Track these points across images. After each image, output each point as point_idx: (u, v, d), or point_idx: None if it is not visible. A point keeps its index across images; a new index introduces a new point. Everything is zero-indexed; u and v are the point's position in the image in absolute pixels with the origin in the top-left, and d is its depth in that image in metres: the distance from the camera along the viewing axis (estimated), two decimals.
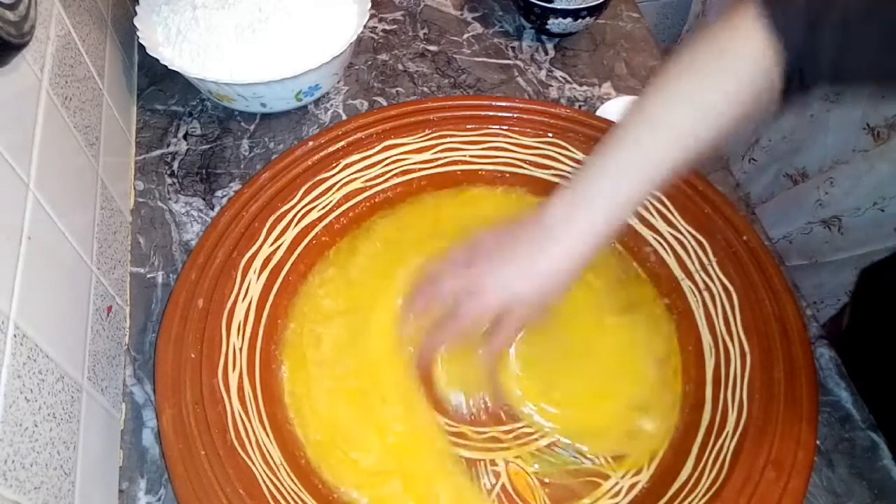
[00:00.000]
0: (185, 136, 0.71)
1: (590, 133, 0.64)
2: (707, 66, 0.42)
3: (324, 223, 0.61)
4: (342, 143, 0.63)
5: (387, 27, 0.82)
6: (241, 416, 0.49)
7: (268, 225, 0.58)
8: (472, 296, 0.46)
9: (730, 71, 0.42)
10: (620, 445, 0.52)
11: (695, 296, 0.57)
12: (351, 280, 0.60)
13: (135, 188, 0.66)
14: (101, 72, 0.62)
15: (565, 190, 0.45)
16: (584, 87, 0.77)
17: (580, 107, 0.75)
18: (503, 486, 0.51)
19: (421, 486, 0.50)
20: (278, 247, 0.58)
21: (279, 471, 0.48)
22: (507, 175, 0.66)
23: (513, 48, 0.81)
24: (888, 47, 0.38)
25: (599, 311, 0.59)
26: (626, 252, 0.62)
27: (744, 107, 0.42)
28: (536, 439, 0.52)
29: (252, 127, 0.72)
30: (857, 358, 0.57)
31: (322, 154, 0.62)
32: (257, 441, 0.49)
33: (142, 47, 0.66)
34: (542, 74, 0.78)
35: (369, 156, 0.64)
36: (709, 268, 0.58)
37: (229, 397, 0.50)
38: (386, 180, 0.64)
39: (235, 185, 0.67)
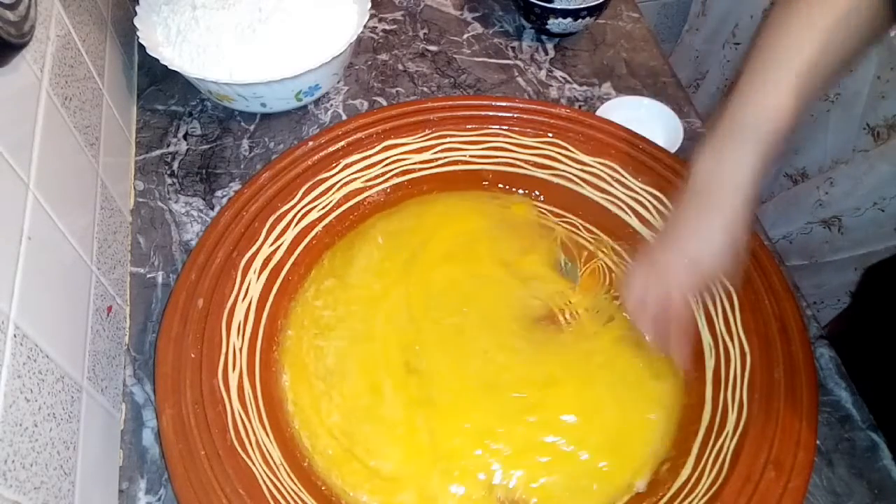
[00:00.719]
0: (185, 136, 0.71)
1: (590, 133, 0.64)
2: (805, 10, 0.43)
3: (324, 223, 0.61)
4: (342, 143, 0.63)
5: (387, 27, 0.82)
6: (241, 416, 0.49)
7: (268, 225, 0.58)
8: (671, 288, 0.48)
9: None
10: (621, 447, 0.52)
11: (694, 295, 0.57)
12: (350, 283, 0.60)
13: (135, 188, 0.66)
14: (101, 72, 0.62)
15: (706, 146, 0.47)
16: (584, 87, 0.77)
17: (580, 107, 0.75)
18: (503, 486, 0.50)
19: (434, 495, 0.50)
20: (278, 247, 0.58)
21: (279, 471, 0.48)
22: (507, 175, 0.66)
23: (513, 48, 0.81)
24: None
25: (600, 311, 0.59)
26: (626, 252, 0.62)
27: (858, 29, 0.43)
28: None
29: (252, 127, 0.72)
30: (858, 358, 0.57)
31: (322, 154, 0.62)
32: (257, 441, 0.49)
33: (142, 47, 0.66)
34: (542, 74, 0.78)
35: (369, 156, 0.64)
36: None
37: (229, 397, 0.50)
38: (386, 180, 0.64)
39: (235, 185, 0.67)
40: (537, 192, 0.66)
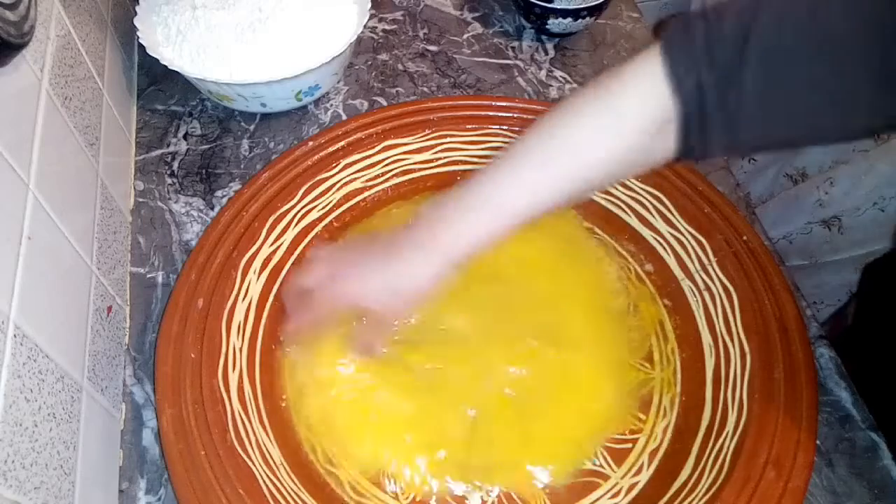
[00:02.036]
0: (185, 136, 0.71)
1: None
2: (591, 104, 0.42)
3: (324, 223, 0.61)
4: (342, 143, 0.63)
5: (387, 27, 0.82)
6: (241, 416, 0.49)
7: (268, 225, 0.58)
8: (332, 293, 0.48)
9: (613, 110, 0.40)
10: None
11: (695, 296, 0.58)
12: None
13: (135, 188, 0.66)
14: (101, 72, 0.62)
15: (435, 208, 0.46)
16: None
17: None
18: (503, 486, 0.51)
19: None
20: (278, 247, 0.58)
21: (279, 471, 0.48)
22: None
23: (513, 48, 0.81)
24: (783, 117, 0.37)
25: (599, 310, 0.59)
26: (626, 252, 0.62)
27: (627, 151, 0.41)
28: None
29: (252, 127, 0.72)
30: (858, 357, 0.57)
31: (322, 154, 0.62)
32: (257, 441, 0.49)
33: (142, 47, 0.66)
34: (542, 74, 0.78)
35: (369, 156, 0.64)
36: (709, 268, 0.58)
37: (229, 397, 0.50)
38: (386, 180, 0.64)
39: (235, 185, 0.67)
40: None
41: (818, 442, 0.48)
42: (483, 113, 0.66)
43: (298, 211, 0.60)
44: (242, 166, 0.68)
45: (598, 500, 0.50)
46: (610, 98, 0.41)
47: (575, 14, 0.76)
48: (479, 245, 0.44)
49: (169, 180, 0.67)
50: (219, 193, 0.66)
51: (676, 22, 0.39)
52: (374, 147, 0.64)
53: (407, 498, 0.50)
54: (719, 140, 0.39)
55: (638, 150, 0.41)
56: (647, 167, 0.42)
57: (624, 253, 0.62)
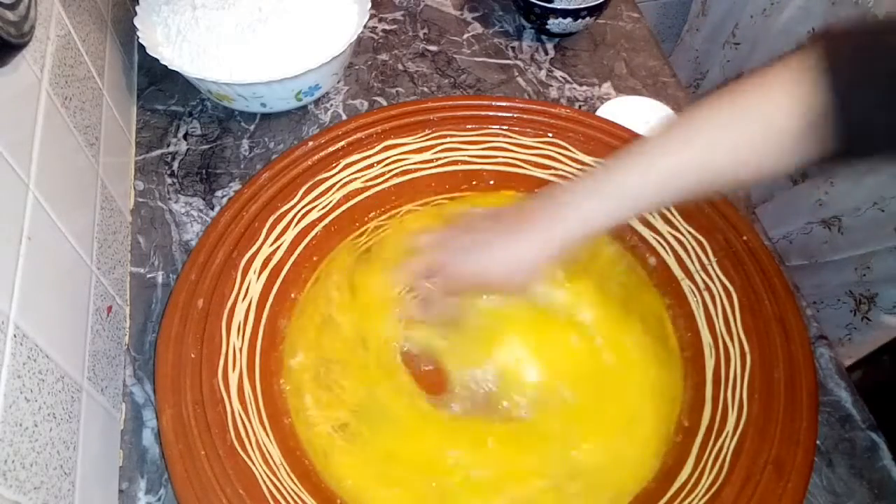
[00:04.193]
0: (185, 136, 0.71)
1: (590, 133, 0.64)
2: (735, 103, 0.41)
3: (324, 223, 0.61)
4: (342, 143, 0.63)
5: (387, 27, 0.82)
6: (241, 416, 0.49)
7: (268, 225, 0.58)
8: (459, 271, 0.50)
9: (756, 110, 0.40)
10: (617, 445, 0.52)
11: (695, 296, 0.57)
12: (351, 285, 0.59)
13: (135, 188, 0.66)
14: (101, 72, 0.62)
15: (557, 188, 0.48)
16: (584, 87, 0.77)
17: (580, 107, 0.75)
18: None
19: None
20: (278, 247, 0.58)
21: (279, 471, 0.48)
22: (507, 175, 0.66)
23: (513, 48, 0.81)
24: None
25: (599, 310, 0.59)
26: (626, 252, 0.62)
27: (765, 153, 0.41)
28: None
29: (252, 127, 0.72)
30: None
31: (322, 154, 0.62)
32: (257, 441, 0.49)
33: (142, 47, 0.66)
34: (542, 74, 0.78)
35: (369, 156, 0.64)
36: (709, 268, 0.58)
37: (229, 397, 0.50)
38: (386, 180, 0.64)
39: (235, 185, 0.67)
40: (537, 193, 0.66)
41: (818, 442, 0.48)
42: (483, 113, 0.66)
43: (298, 211, 0.60)
44: (242, 166, 0.68)
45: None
46: (754, 98, 0.41)
47: (575, 14, 0.76)
48: (601, 228, 0.46)
49: (169, 180, 0.67)
50: (219, 193, 0.66)
51: (837, 29, 0.39)
52: (374, 147, 0.64)
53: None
54: (879, 144, 0.38)
55: (776, 154, 0.41)
56: (779, 172, 0.42)
57: (624, 252, 0.62)
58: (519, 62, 0.79)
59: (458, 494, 0.50)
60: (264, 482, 0.46)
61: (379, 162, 0.64)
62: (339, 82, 0.76)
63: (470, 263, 0.49)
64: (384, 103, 0.74)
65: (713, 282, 0.57)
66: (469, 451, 0.51)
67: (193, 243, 0.62)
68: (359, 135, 0.64)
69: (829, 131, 0.38)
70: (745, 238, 0.58)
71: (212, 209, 0.65)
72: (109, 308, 0.54)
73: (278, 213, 0.59)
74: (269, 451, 0.49)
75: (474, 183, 0.66)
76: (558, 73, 0.78)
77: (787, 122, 0.39)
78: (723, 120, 0.42)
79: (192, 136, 0.71)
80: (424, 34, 0.82)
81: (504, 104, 0.66)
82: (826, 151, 0.39)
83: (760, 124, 0.40)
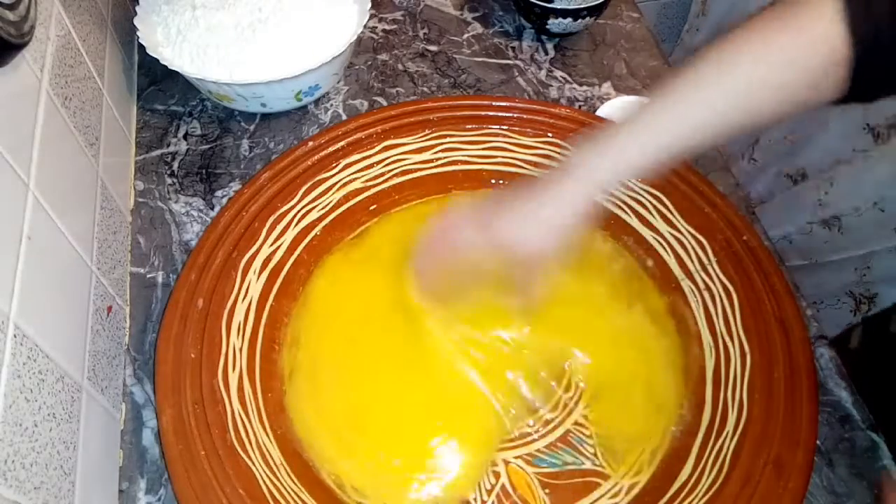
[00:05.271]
0: (185, 136, 0.71)
1: (590, 133, 0.64)
2: (761, 39, 0.41)
3: (324, 223, 0.61)
4: (342, 143, 0.63)
5: (387, 27, 0.82)
6: (241, 416, 0.49)
7: (268, 225, 0.58)
8: (485, 237, 0.47)
9: (782, 46, 0.40)
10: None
11: (695, 296, 0.57)
12: (351, 284, 0.59)
13: (135, 188, 0.66)
14: (101, 72, 0.62)
15: (588, 142, 0.46)
16: (584, 87, 0.77)
17: (580, 107, 0.75)
18: (503, 486, 0.51)
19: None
20: (278, 247, 0.58)
21: (279, 471, 0.48)
22: (507, 175, 0.66)
23: (513, 48, 0.81)
24: None
25: (599, 309, 0.59)
26: (626, 252, 0.62)
27: (795, 88, 0.41)
28: (536, 440, 0.52)
29: (252, 127, 0.72)
30: (860, 361, 0.57)
31: (322, 154, 0.62)
32: (257, 441, 0.49)
33: (142, 47, 0.66)
34: (542, 74, 0.78)
35: (369, 156, 0.64)
36: (709, 268, 0.58)
37: (229, 397, 0.50)
38: (386, 180, 0.64)
39: (235, 185, 0.67)
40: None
41: (818, 442, 0.48)
42: (483, 113, 0.66)
43: (298, 211, 0.60)
44: (242, 166, 0.68)
45: (598, 499, 0.50)
46: (780, 34, 0.41)
47: (575, 14, 0.76)
48: (632, 173, 0.44)
49: (169, 180, 0.67)
50: (219, 193, 0.66)
51: None
52: (374, 147, 0.64)
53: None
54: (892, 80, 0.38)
55: (806, 87, 0.41)
56: (809, 106, 0.42)
57: (624, 252, 0.62)
58: (519, 62, 0.79)
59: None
60: (264, 482, 0.46)
61: (379, 162, 0.64)
62: (339, 82, 0.76)
63: (501, 230, 0.46)
64: (384, 103, 0.74)
65: (713, 282, 0.57)
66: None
67: (193, 243, 0.62)
68: (359, 135, 0.64)
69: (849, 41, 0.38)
70: (745, 238, 0.58)
71: (212, 209, 0.65)
72: (109, 308, 0.54)
73: (278, 213, 0.59)
74: (269, 451, 0.49)
75: (474, 183, 0.66)
76: (558, 73, 0.78)
77: (812, 56, 0.39)
78: (753, 56, 0.42)
79: (192, 136, 0.71)
80: (424, 34, 0.82)
81: (504, 104, 0.66)
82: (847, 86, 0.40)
83: (787, 58, 0.40)
